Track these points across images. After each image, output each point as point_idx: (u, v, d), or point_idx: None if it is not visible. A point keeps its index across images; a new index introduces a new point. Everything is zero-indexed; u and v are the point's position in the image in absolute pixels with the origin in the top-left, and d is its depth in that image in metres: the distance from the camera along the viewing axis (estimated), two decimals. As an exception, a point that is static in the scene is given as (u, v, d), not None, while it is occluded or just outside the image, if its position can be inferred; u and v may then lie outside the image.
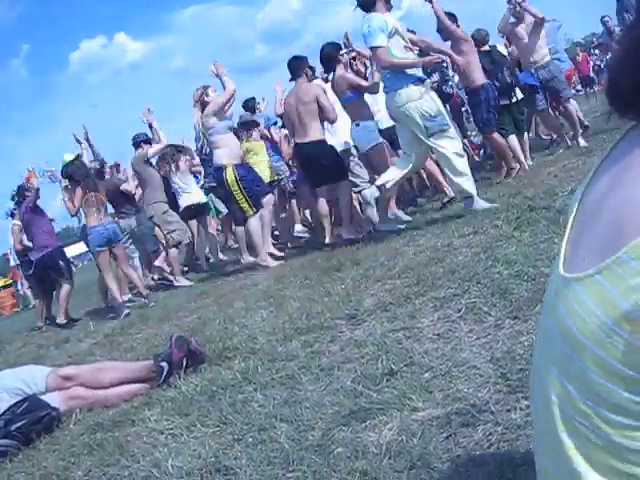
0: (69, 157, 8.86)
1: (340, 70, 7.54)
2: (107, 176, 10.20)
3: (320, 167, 7.53)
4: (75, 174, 8.59)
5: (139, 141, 9.87)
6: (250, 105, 10.39)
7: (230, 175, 7.75)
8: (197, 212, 10.72)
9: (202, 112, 8.00)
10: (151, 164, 9.71)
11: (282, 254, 8.51)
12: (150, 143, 9.79)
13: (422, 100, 6.18)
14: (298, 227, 10.53)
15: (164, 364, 3.95)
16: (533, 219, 4.84)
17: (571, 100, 9.58)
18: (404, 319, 3.64)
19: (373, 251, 6.07)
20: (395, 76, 6.30)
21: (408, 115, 6.20)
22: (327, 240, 7.60)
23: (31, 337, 9.45)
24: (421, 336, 3.30)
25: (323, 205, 7.80)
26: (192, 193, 10.44)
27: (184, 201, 10.31)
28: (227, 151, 7.88)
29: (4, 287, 21.90)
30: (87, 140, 9.50)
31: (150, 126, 9.93)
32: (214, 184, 9.09)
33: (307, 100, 7.49)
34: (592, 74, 22.86)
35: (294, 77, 7.79)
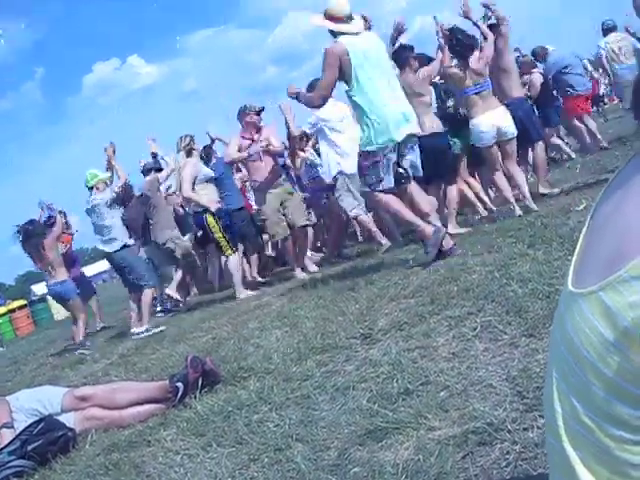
0: (102, 175, 8.73)
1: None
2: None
3: (435, 163, 7.18)
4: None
5: (149, 168, 9.74)
6: None
7: (210, 218, 8.46)
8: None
9: (187, 156, 8.70)
10: (160, 191, 9.70)
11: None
12: (159, 171, 9.76)
13: None
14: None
15: (179, 384, 3.96)
16: (547, 237, 4.83)
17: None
18: (419, 338, 3.64)
19: (387, 270, 6.06)
20: None
21: None
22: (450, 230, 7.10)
23: (46, 358, 9.49)
24: (436, 355, 3.29)
25: (453, 192, 7.74)
26: None
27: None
28: (205, 197, 8.53)
29: (19, 308, 22.02)
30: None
31: (154, 155, 9.87)
32: None
33: (419, 91, 7.26)
34: (602, 91, 22.56)
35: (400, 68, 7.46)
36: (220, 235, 8.53)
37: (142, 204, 9.73)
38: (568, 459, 1.04)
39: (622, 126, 12.82)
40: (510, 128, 7.14)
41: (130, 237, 9.27)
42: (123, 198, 9.42)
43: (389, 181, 5.96)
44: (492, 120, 7.07)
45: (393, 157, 5.93)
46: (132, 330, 8.40)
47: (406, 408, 2.72)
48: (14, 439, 3.72)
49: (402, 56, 7.44)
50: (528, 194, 7.11)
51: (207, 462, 2.95)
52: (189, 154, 8.67)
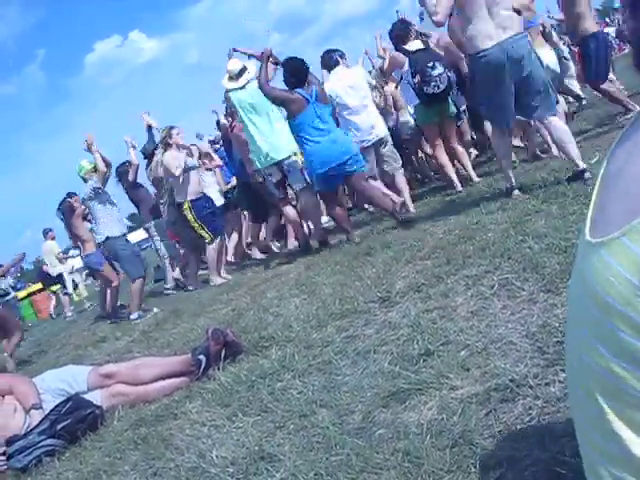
0: (88, 165, 8.77)
1: None
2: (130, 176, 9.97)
3: None
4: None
5: (152, 150, 9.83)
6: None
7: (187, 210, 8.71)
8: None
9: (165, 151, 8.80)
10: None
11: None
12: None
13: None
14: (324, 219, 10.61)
15: (202, 357, 3.99)
16: (561, 191, 4.81)
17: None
18: (437, 299, 3.64)
19: (402, 233, 6.06)
20: None
21: None
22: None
23: (69, 338, 9.59)
24: (455, 315, 3.30)
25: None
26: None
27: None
28: (183, 191, 8.76)
29: (39, 291, 22.19)
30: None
31: (149, 128, 9.92)
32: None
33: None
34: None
35: None
36: (197, 225, 8.76)
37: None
38: (601, 411, 1.03)
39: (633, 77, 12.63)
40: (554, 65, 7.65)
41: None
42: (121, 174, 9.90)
43: (274, 192, 8.04)
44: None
45: (274, 175, 7.88)
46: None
47: (427, 369, 2.74)
48: (43, 419, 3.78)
49: None
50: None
51: (233, 432, 2.98)
52: (166, 148, 8.77)
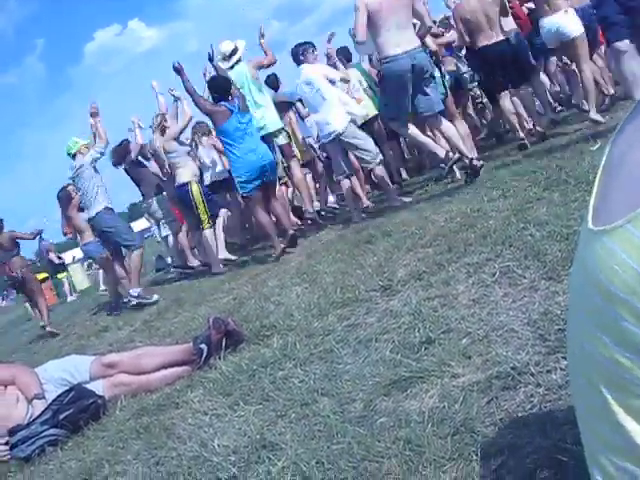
0: (80, 142, 8.64)
1: None
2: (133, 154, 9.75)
3: (512, 64, 7.67)
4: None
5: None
6: (273, 82, 10.04)
7: (195, 190, 8.81)
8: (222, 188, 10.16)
9: (162, 136, 9.01)
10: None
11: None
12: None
13: None
14: (331, 198, 10.77)
15: (203, 346, 3.99)
16: (562, 179, 4.79)
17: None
18: (438, 287, 3.64)
19: (403, 221, 6.05)
20: None
21: None
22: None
23: (72, 328, 9.59)
24: (457, 303, 3.29)
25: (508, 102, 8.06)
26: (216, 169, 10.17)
27: (210, 176, 9.88)
28: (188, 170, 8.94)
29: (42, 280, 22.13)
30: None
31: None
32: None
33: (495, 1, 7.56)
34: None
35: None
36: (202, 207, 8.78)
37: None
38: (604, 401, 1.01)
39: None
40: (567, 29, 7.26)
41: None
42: (120, 154, 9.68)
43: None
44: (552, 22, 7.28)
45: None
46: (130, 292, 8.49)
47: (429, 357, 2.74)
48: (46, 409, 3.79)
49: None
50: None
51: (235, 421, 2.98)
52: (162, 133, 8.91)
